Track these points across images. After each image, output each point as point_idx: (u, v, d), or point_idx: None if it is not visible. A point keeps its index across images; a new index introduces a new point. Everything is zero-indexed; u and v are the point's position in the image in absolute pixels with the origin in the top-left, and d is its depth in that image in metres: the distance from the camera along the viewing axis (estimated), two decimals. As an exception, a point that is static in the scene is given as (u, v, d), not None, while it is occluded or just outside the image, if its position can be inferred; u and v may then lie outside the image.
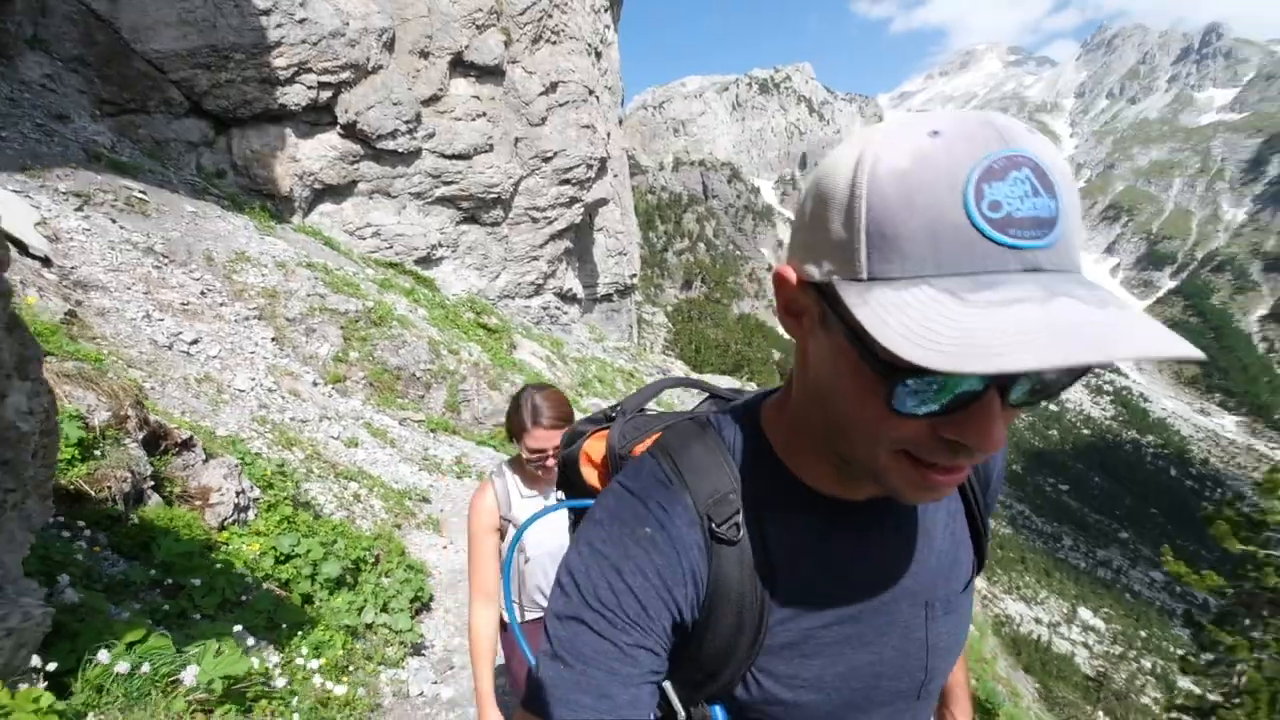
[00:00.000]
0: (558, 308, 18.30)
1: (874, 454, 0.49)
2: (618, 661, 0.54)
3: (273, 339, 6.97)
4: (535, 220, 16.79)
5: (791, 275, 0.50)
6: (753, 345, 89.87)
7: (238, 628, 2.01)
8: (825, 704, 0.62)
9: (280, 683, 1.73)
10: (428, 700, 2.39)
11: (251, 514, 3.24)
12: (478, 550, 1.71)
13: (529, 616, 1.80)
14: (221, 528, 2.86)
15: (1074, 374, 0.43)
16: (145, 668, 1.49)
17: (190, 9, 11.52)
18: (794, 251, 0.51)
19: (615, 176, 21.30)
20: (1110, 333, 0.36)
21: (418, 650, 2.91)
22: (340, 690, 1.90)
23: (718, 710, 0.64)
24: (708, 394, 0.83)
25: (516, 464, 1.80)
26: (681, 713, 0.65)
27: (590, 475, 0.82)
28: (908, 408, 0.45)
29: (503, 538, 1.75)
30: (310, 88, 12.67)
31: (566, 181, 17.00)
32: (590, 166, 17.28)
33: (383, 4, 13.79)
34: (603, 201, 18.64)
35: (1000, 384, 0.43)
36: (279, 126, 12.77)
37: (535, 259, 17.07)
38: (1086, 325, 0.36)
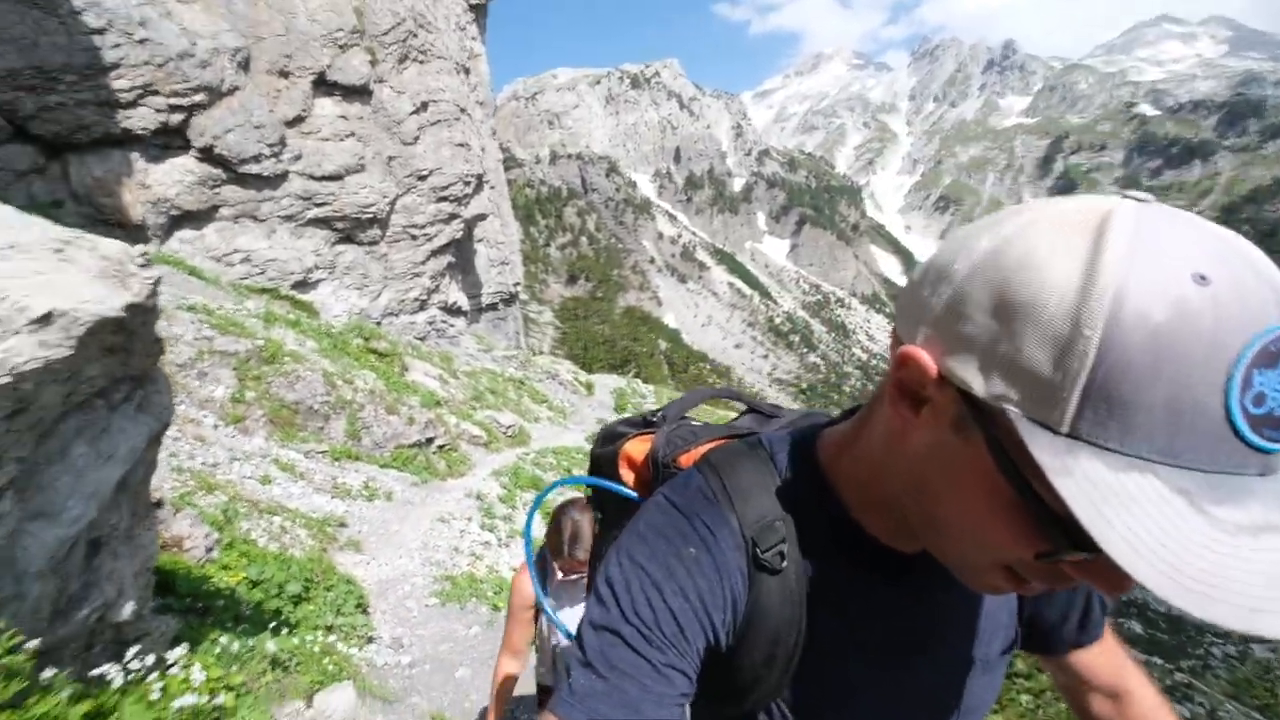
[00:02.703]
0: (444, 321, 18.63)
1: (969, 559, 0.47)
2: (651, 679, 0.53)
3: (164, 388, 7.19)
4: (415, 238, 17.02)
5: (929, 366, 0.43)
6: (639, 339, 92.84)
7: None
8: None
9: (317, 651, 2.71)
10: (392, 665, 3.40)
11: (215, 553, 4.01)
12: (513, 620, 1.95)
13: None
14: (201, 566, 3.63)
15: None
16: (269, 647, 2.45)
17: (3, 26, 10.59)
18: (932, 335, 0.43)
19: (493, 188, 21.80)
20: None
21: (371, 639, 3.88)
22: (347, 650, 2.88)
23: None
24: (747, 408, 0.83)
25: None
26: None
27: (627, 476, 0.82)
28: (1061, 559, 0.40)
29: (537, 617, 2.00)
30: (159, 111, 12.10)
31: (444, 199, 17.37)
32: (467, 183, 17.76)
33: (234, 22, 13.37)
34: (482, 216, 19.17)
35: None
36: (123, 151, 12.07)
37: (417, 275, 17.30)
38: None
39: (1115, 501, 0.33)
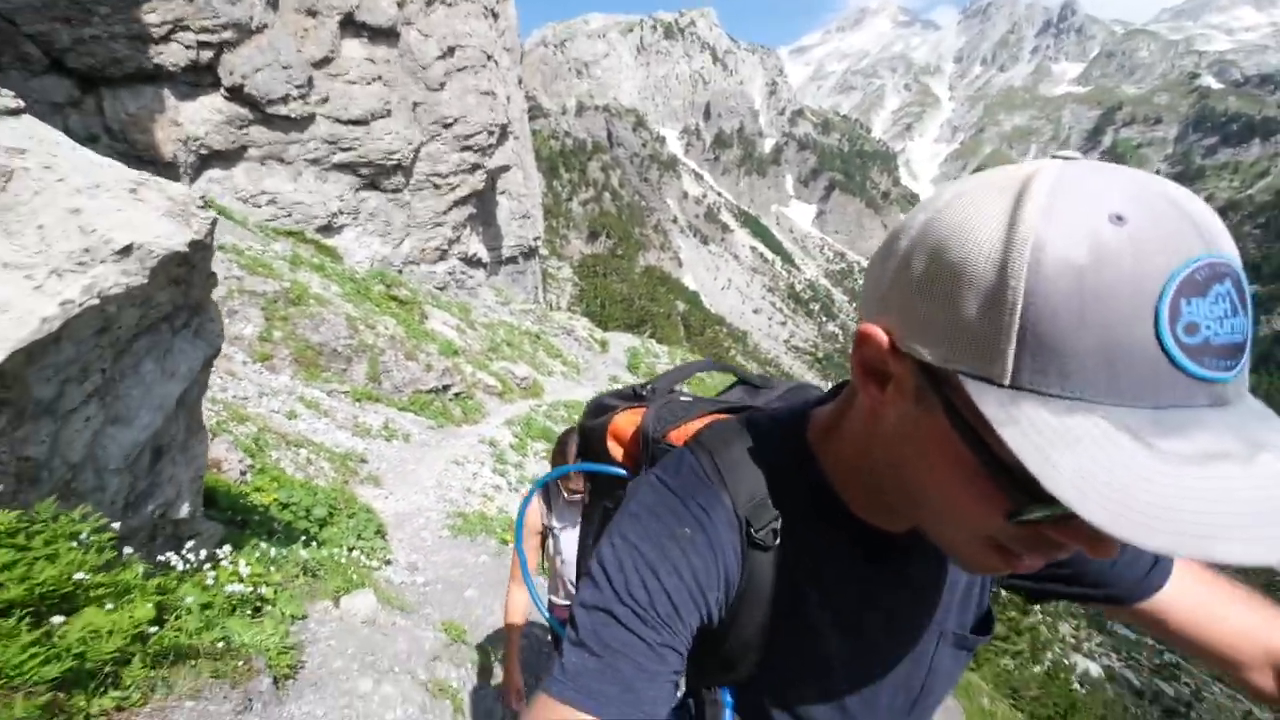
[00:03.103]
0: (463, 272, 18.85)
1: (953, 537, 0.47)
2: (645, 658, 0.54)
3: (198, 323, 7.55)
4: (438, 187, 17.09)
5: (883, 339, 0.45)
6: (656, 300, 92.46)
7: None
8: (825, 712, 0.65)
9: (342, 563, 3.05)
10: (409, 584, 3.75)
11: (249, 476, 4.37)
12: (524, 546, 1.97)
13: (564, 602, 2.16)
14: (238, 485, 3.99)
15: None
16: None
17: (40, -47, 10.63)
18: (885, 311, 0.45)
19: (517, 139, 21.62)
20: None
21: (389, 562, 4.24)
22: (369, 564, 3.24)
23: (726, 693, 0.67)
24: (737, 379, 0.84)
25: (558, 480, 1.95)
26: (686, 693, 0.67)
27: (616, 450, 0.82)
28: (1021, 517, 0.40)
29: (544, 541, 2.12)
30: (189, 47, 12.17)
31: (468, 148, 17.33)
32: (491, 133, 17.66)
33: (263, -44, 13.22)
34: (505, 168, 19.11)
35: None
36: (155, 87, 12.22)
37: (439, 225, 17.44)
38: None
39: (1060, 444, 0.34)
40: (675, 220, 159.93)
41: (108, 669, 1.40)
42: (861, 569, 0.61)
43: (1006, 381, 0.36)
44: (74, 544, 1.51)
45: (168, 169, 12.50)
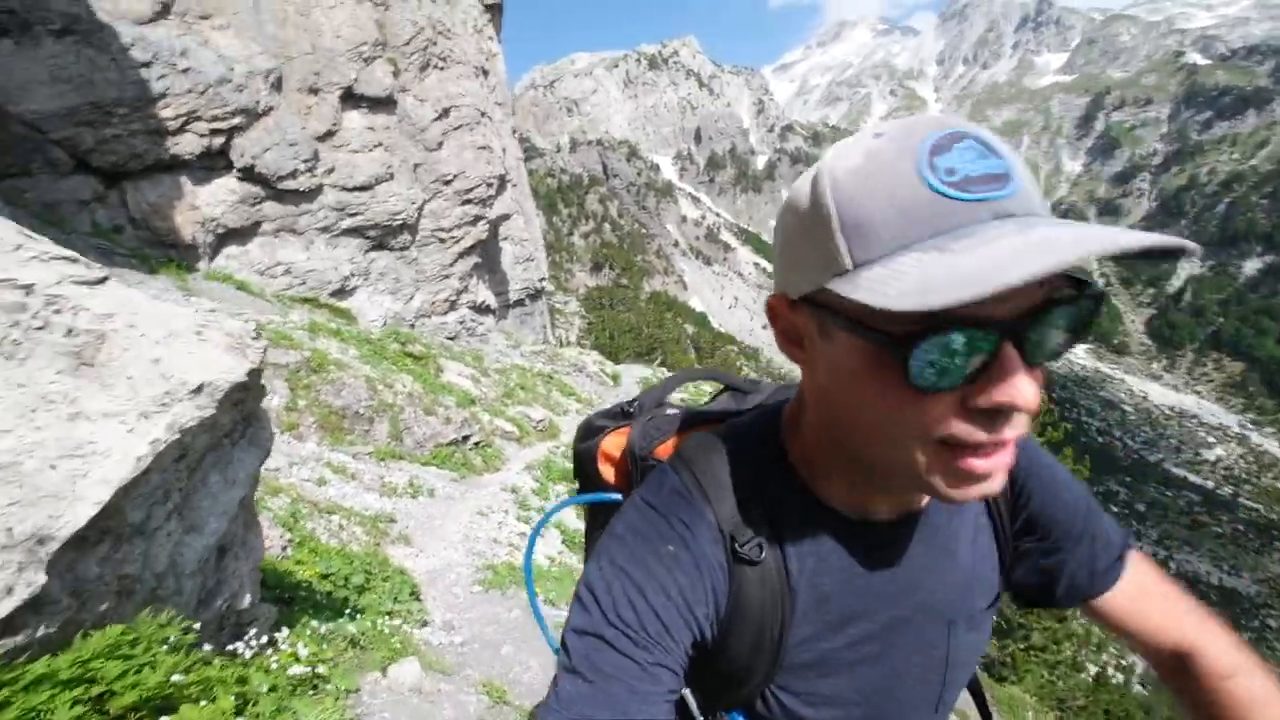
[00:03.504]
0: (473, 320, 19.30)
1: (909, 453, 0.49)
2: (637, 680, 0.54)
3: (228, 399, 7.90)
4: (443, 240, 17.65)
5: (782, 302, 0.54)
6: (664, 326, 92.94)
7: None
8: (844, 718, 0.64)
9: (385, 631, 3.26)
10: (447, 645, 3.93)
11: (289, 550, 4.60)
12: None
13: None
14: (281, 562, 4.22)
15: (1085, 319, 0.46)
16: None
17: (61, 66, 11.43)
18: (779, 282, 0.54)
19: (515, 186, 22.30)
20: (1089, 236, 0.39)
21: (426, 623, 4.43)
22: (409, 631, 3.43)
23: (737, 717, 0.65)
24: (725, 385, 0.85)
25: None
26: (699, 718, 0.66)
27: (607, 472, 0.83)
28: (928, 381, 0.45)
29: None
30: (202, 135, 12.88)
31: (469, 201, 17.93)
32: (490, 185, 18.28)
33: (265, 44, 14.05)
34: (506, 216, 19.70)
35: (1014, 339, 0.44)
36: (173, 176, 12.91)
37: (446, 277, 17.96)
38: (1066, 235, 0.39)
39: (889, 279, 0.43)
40: (676, 244, 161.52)
41: (205, 758, 1.61)
42: (852, 566, 0.61)
43: (850, 266, 0.46)
44: (164, 647, 1.74)
45: (188, 250, 13.13)
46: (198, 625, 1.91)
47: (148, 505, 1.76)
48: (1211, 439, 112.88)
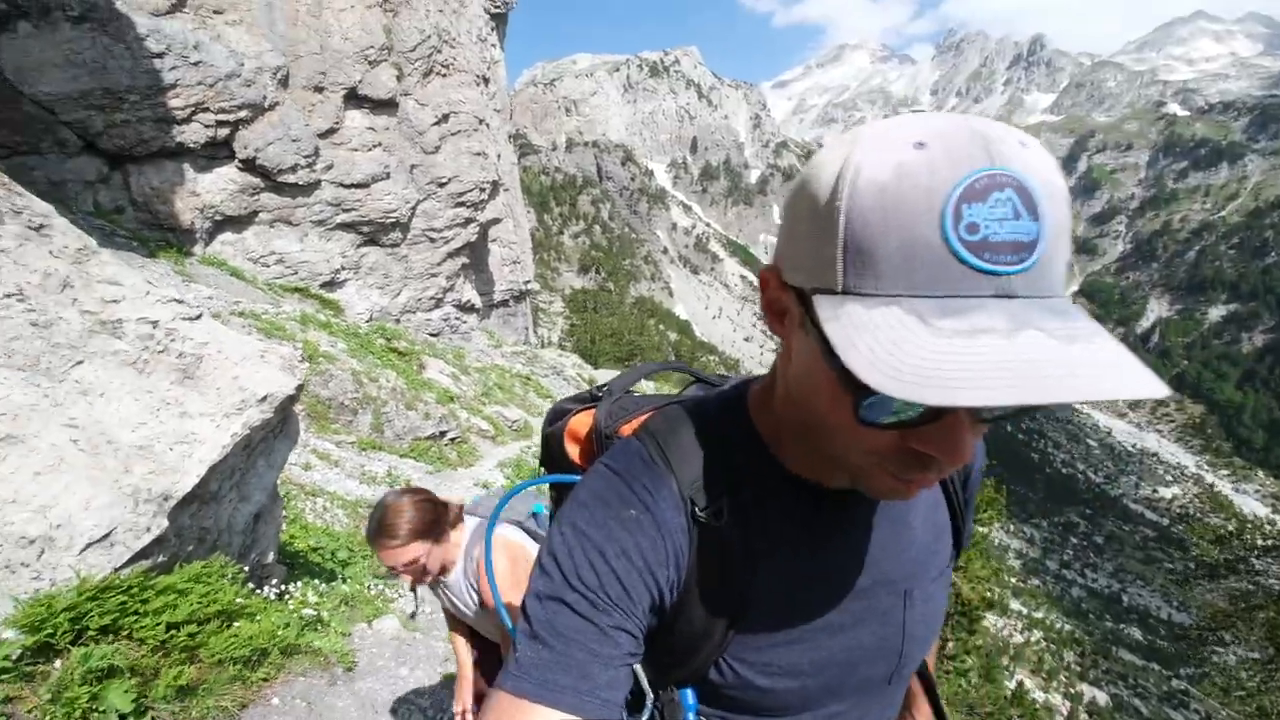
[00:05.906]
0: (457, 318, 19.89)
1: (847, 453, 0.50)
2: (598, 643, 0.54)
3: (224, 385, 8.49)
4: (433, 240, 18.25)
5: (775, 276, 0.51)
6: (645, 333, 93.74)
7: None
8: (800, 690, 0.63)
9: (371, 593, 3.97)
10: (420, 613, 4.66)
11: (284, 526, 5.27)
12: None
13: None
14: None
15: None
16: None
17: (77, 51, 11.86)
18: (780, 253, 0.52)
19: (506, 190, 22.95)
20: (1069, 375, 0.36)
21: (401, 595, 5.13)
22: (388, 594, 4.15)
23: (687, 694, 0.65)
24: (694, 379, 0.84)
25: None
26: (650, 694, 0.65)
27: (573, 452, 0.83)
28: (874, 418, 0.45)
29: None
30: (208, 126, 13.37)
31: (461, 204, 18.56)
32: (483, 190, 18.93)
33: (275, 42, 14.58)
34: (496, 220, 20.36)
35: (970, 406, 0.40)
36: (177, 163, 13.36)
37: (434, 275, 18.55)
38: (1048, 364, 0.37)
39: (864, 331, 0.40)
40: (665, 251, 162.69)
41: (257, 656, 2.33)
42: (813, 534, 0.62)
43: (839, 289, 0.43)
44: (225, 580, 2.46)
45: (185, 234, 13.58)
46: (246, 569, 2.63)
47: (221, 480, 2.49)
48: (1170, 477, 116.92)
